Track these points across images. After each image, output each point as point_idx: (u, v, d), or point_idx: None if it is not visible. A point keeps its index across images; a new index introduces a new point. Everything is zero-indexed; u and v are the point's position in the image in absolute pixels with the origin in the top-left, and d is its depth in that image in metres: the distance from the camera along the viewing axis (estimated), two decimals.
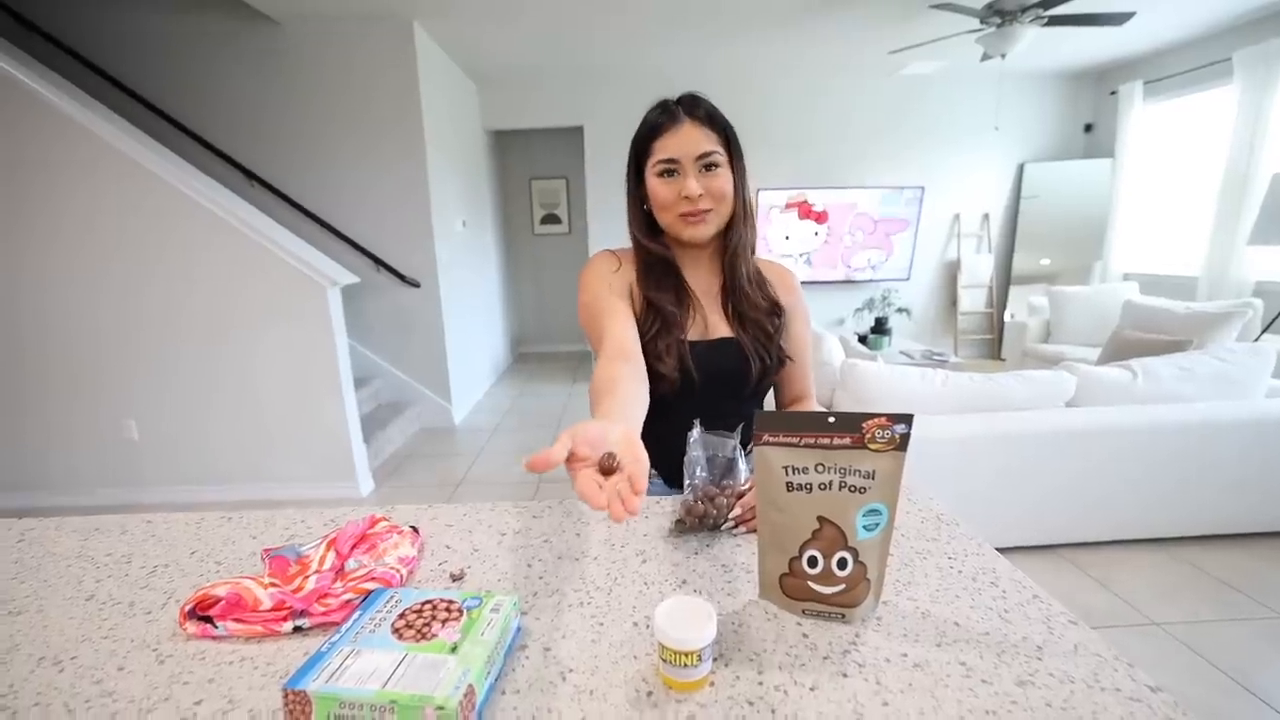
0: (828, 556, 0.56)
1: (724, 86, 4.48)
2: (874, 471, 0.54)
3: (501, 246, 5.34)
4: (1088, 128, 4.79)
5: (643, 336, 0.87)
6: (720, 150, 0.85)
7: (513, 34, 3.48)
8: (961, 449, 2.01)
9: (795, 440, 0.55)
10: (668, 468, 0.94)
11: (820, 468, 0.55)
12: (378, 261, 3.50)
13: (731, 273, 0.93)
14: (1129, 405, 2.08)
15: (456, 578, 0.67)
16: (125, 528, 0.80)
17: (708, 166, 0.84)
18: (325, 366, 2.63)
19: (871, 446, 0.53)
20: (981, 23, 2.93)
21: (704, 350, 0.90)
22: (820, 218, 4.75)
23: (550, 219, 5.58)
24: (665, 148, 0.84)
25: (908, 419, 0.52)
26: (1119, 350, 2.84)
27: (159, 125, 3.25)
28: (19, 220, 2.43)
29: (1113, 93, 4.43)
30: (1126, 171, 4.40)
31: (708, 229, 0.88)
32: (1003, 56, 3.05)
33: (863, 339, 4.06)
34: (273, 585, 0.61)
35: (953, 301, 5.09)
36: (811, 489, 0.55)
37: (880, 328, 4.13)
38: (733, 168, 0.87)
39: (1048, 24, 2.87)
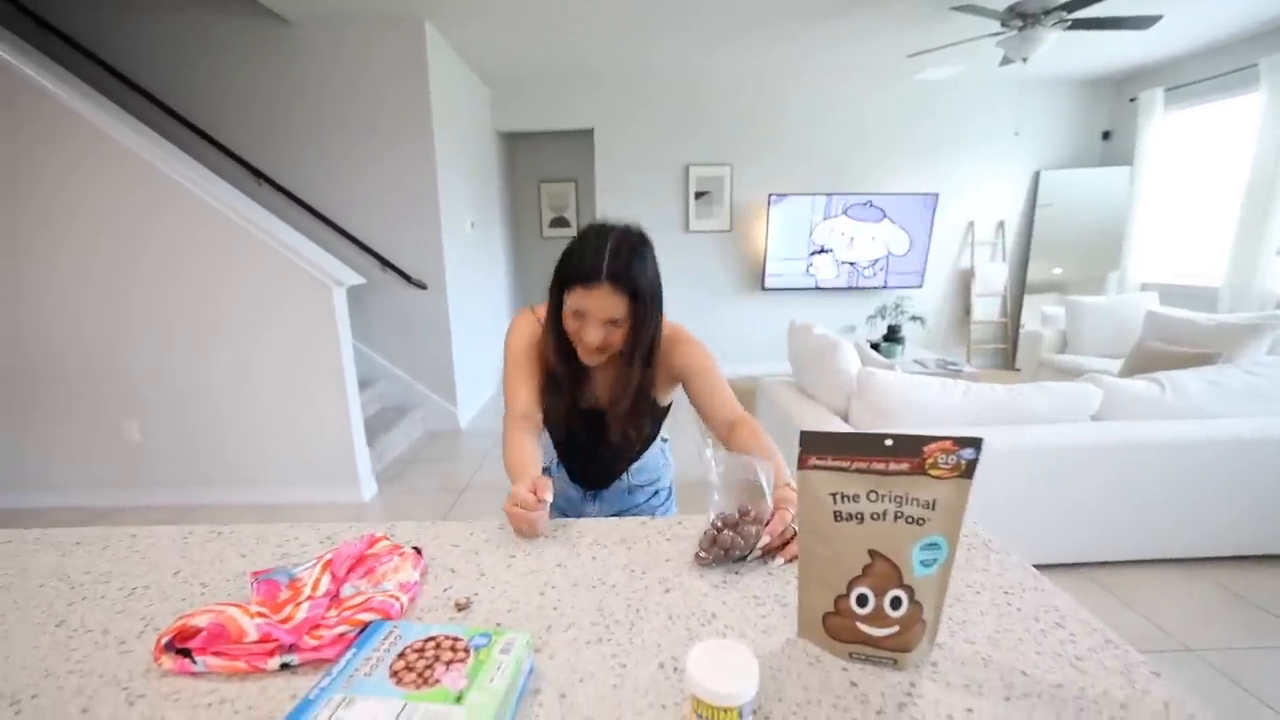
0: (879, 595, 0.49)
1: (734, 91, 4.45)
2: (934, 501, 0.48)
3: (510, 248, 5.30)
4: (1105, 135, 4.71)
5: (546, 405, 1.03)
6: (625, 315, 0.90)
7: (523, 36, 3.44)
8: (984, 462, 1.92)
9: (845, 464, 0.49)
10: (572, 470, 1.18)
11: (873, 496, 0.49)
12: (384, 262, 3.46)
13: (622, 384, 1.01)
14: (1158, 420, 2.01)
15: (462, 607, 0.61)
16: (108, 542, 0.75)
17: (612, 324, 0.91)
18: (329, 368, 2.58)
19: (933, 473, 0.47)
20: (1003, 25, 2.86)
21: (590, 416, 1.06)
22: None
23: (559, 222, 5.54)
24: (580, 299, 0.89)
25: (976, 443, 0.46)
26: (1143, 362, 2.76)
27: (168, 123, 3.22)
28: (22, 218, 2.40)
29: (1132, 100, 4.35)
30: (1145, 180, 4.31)
31: (602, 358, 0.97)
32: (1024, 61, 2.98)
33: (875, 346, 3.99)
34: (260, 615, 0.55)
35: (966, 310, 5.01)
36: (863, 519, 0.49)
37: (893, 335, 4.05)
38: (636, 315, 0.91)
39: (1071, 27, 2.81)
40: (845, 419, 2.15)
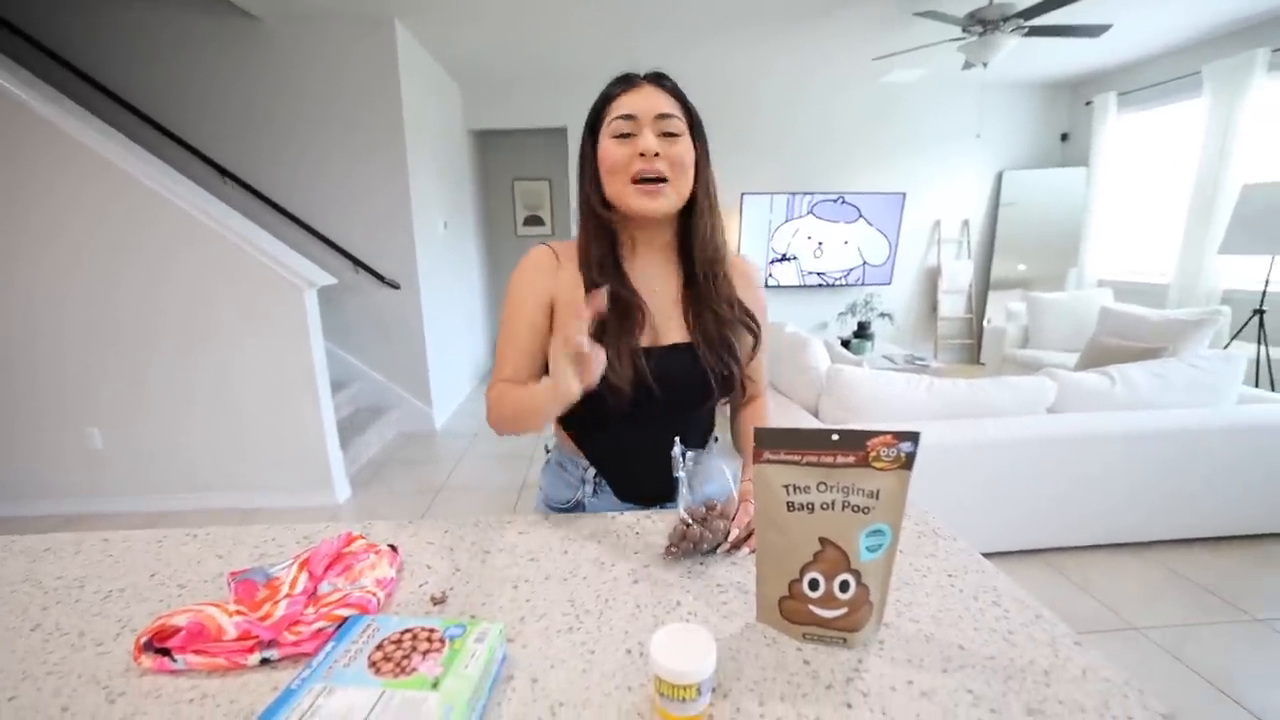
0: (829, 579, 0.53)
1: (706, 89, 4.47)
2: (878, 491, 0.52)
3: (483, 248, 5.27)
4: (1064, 137, 4.89)
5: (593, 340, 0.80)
6: (680, 117, 0.77)
7: (495, 33, 3.43)
8: (945, 455, 2.01)
9: (797, 458, 0.53)
10: (623, 485, 0.90)
11: (822, 487, 0.52)
12: (357, 262, 3.43)
13: (703, 269, 0.82)
14: (1108, 412, 2.11)
15: (438, 601, 0.63)
16: (80, 547, 0.75)
17: (668, 134, 0.76)
18: (301, 370, 2.56)
19: (876, 465, 0.51)
20: (964, 31, 2.96)
21: (658, 360, 0.79)
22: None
23: (533, 220, 5.53)
24: (622, 105, 0.76)
25: (914, 436, 0.50)
26: (1097, 356, 2.89)
27: (131, 121, 3.13)
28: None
29: (1088, 103, 4.53)
30: (1101, 180, 4.49)
31: (662, 200, 0.76)
32: (984, 65, 3.08)
33: (845, 343, 4.08)
34: (238, 613, 0.56)
35: (933, 307, 5.15)
36: (813, 509, 0.53)
37: (863, 332, 4.15)
38: (695, 146, 0.79)
39: (1028, 34, 2.92)
40: (816, 415, 2.22)
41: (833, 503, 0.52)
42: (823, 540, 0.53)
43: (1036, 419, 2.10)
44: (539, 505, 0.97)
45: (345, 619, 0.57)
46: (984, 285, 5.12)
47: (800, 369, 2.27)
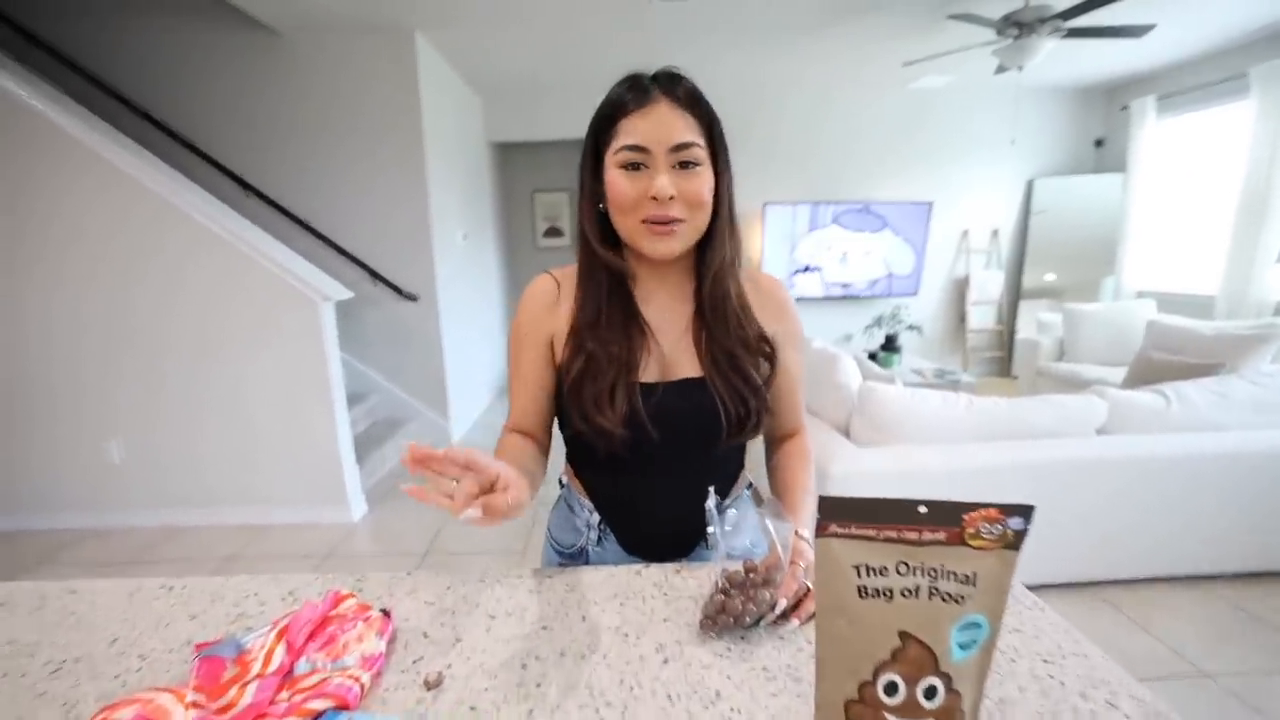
0: (912, 683, 0.43)
1: (733, 98, 4.37)
2: (975, 575, 0.41)
3: (503, 259, 5.24)
4: (1099, 142, 4.71)
5: (579, 379, 0.70)
6: (701, 143, 0.66)
7: (517, 45, 3.39)
8: (987, 479, 1.88)
9: (872, 533, 0.42)
10: (629, 536, 0.80)
11: (903, 569, 0.42)
12: (375, 275, 3.39)
13: (710, 299, 0.73)
14: (1165, 433, 1.96)
15: (432, 685, 0.54)
16: (43, 600, 0.67)
17: (684, 164, 0.65)
18: (317, 384, 2.51)
19: (973, 544, 0.41)
20: (999, 34, 2.84)
21: (663, 395, 0.71)
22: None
23: (553, 232, 5.48)
24: (633, 130, 0.65)
25: (1026, 511, 0.40)
26: (1145, 373, 2.72)
27: (153, 134, 3.14)
28: (2, 233, 2.32)
29: (1124, 108, 4.35)
30: (1138, 187, 4.30)
31: (677, 243, 0.68)
32: (1019, 69, 2.96)
33: (873, 356, 3.94)
34: (195, 705, 0.48)
35: (962, 318, 4.98)
36: (891, 595, 0.42)
37: (890, 345, 4.01)
38: (715, 168, 0.69)
39: (1066, 36, 2.78)
40: (847, 434, 2.09)
41: (917, 589, 0.42)
42: (903, 635, 0.42)
43: (1086, 440, 1.96)
44: (545, 548, 0.89)
45: (320, 714, 0.48)
46: (1014, 296, 4.94)
47: (831, 387, 2.16)
